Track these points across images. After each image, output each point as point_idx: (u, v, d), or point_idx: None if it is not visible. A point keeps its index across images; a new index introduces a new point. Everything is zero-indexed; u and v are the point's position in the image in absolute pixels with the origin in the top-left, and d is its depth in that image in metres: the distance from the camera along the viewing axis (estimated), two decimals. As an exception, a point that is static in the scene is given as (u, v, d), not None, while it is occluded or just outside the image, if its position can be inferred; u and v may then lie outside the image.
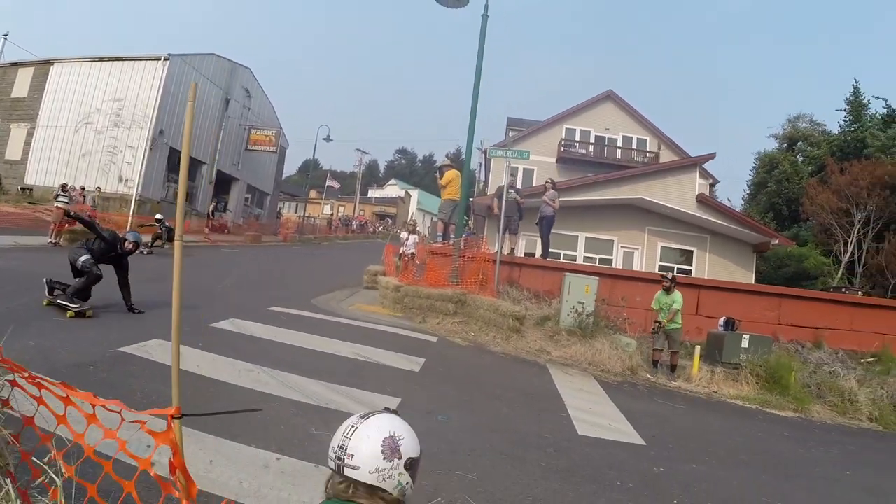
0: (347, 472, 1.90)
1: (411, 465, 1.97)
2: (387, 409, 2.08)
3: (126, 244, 9.91)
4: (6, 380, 3.03)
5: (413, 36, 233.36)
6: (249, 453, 4.81)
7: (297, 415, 6.00)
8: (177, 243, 2.52)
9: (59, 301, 9.03)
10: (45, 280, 9.24)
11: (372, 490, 1.91)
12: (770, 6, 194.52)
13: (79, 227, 20.52)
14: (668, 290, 12.44)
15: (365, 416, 1.99)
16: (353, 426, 1.95)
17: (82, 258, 9.36)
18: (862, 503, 6.55)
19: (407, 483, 1.96)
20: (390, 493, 1.93)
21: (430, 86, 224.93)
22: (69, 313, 8.78)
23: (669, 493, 5.67)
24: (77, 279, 9.27)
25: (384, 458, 1.91)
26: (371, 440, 1.92)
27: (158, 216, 22.10)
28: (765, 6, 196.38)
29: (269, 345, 8.93)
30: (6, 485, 2.67)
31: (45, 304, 9.09)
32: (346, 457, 1.90)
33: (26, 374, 2.91)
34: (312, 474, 4.51)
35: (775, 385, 11.52)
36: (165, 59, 31.40)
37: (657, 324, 12.44)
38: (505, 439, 6.47)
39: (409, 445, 1.97)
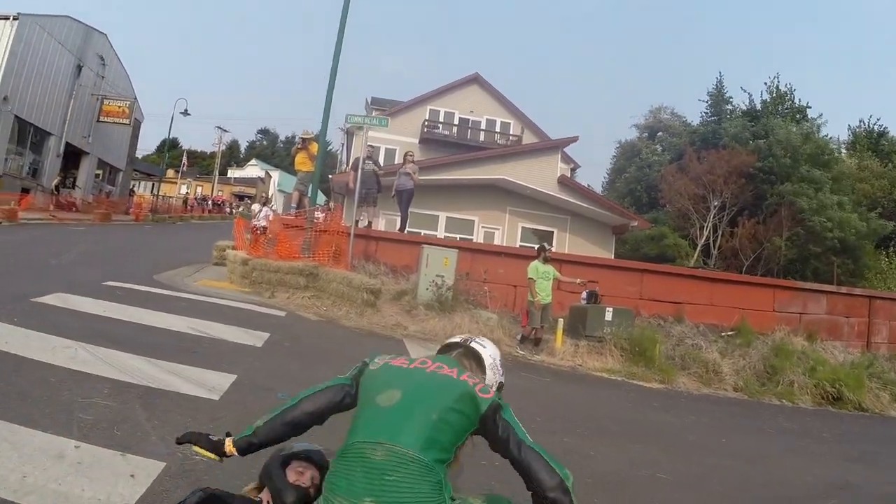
0: (474, 344, 2.68)
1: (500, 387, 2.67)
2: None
3: None
4: None
5: (281, 16, 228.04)
6: (43, 440, 3.88)
7: (112, 395, 5.04)
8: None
9: None
10: None
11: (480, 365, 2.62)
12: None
13: None
14: (545, 260, 11.96)
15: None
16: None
17: None
18: (740, 470, 6.08)
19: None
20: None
21: (297, 67, 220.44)
22: None
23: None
24: None
25: (498, 363, 2.72)
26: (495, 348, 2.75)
27: None
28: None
29: (96, 320, 7.75)
30: None
31: None
32: (476, 340, 2.71)
33: None
34: (116, 464, 3.69)
35: (640, 357, 11.28)
36: (15, 19, 27.99)
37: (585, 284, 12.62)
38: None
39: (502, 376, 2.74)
